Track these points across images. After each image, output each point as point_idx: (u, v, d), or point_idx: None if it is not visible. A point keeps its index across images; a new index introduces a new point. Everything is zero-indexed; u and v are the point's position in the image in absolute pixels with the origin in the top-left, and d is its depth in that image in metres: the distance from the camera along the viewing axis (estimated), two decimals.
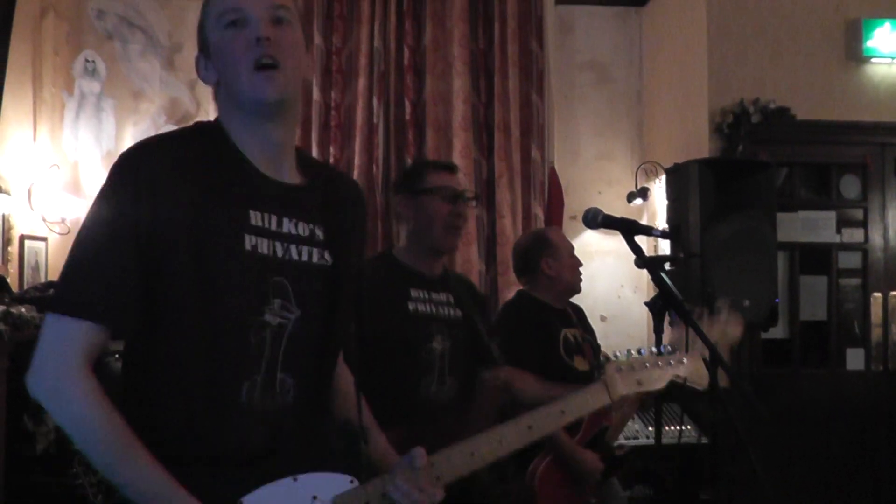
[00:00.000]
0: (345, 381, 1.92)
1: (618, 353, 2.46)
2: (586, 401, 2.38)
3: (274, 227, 1.65)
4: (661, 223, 5.74)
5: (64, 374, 1.51)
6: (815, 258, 5.45)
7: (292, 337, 1.65)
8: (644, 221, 6.27)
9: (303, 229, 1.70)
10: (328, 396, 1.81)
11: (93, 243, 1.57)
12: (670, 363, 2.47)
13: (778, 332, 5.19)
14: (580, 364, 3.70)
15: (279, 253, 1.65)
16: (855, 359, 5.45)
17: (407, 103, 6.37)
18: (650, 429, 5.03)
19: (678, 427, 4.95)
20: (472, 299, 3.12)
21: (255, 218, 1.63)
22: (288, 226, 1.68)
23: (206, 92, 6.37)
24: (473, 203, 3.56)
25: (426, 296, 2.91)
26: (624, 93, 6.80)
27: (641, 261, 2.27)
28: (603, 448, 3.55)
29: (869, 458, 5.28)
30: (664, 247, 5.81)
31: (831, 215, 5.46)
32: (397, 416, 2.71)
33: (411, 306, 2.86)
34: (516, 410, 2.83)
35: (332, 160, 6.31)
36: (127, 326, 1.57)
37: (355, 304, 1.84)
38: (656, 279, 2.24)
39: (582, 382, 3.62)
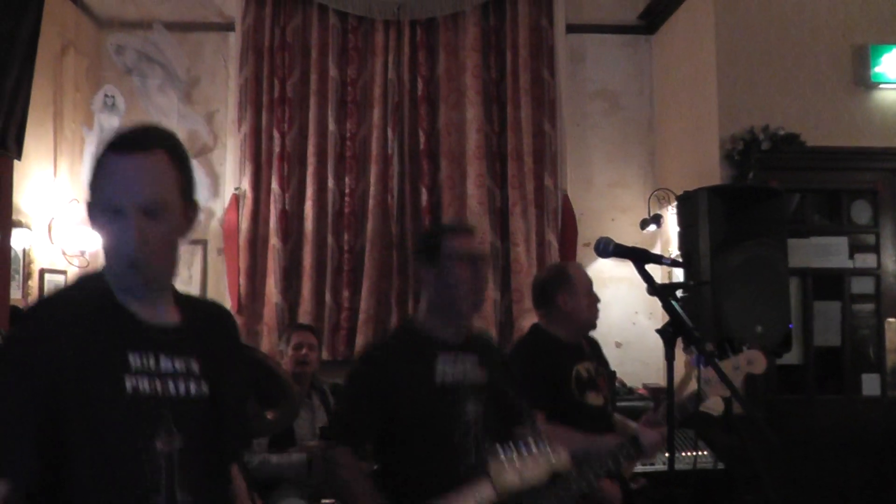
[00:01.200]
0: (241, 493, 2.13)
1: (502, 451, 2.52)
2: (473, 497, 2.46)
3: (152, 365, 1.78)
4: (675, 250, 5.76)
5: None
6: (828, 284, 5.45)
7: (183, 462, 1.78)
8: (657, 248, 6.31)
9: (179, 365, 1.82)
10: None
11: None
12: (547, 458, 2.54)
13: (792, 357, 5.18)
14: (593, 399, 3.70)
15: (159, 389, 1.77)
16: (870, 384, 5.42)
17: (421, 133, 6.45)
18: (664, 454, 5.02)
19: (692, 453, 4.94)
20: (495, 354, 3.15)
21: (135, 360, 1.76)
22: (165, 363, 1.80)
23: (223, 125, 6.48)
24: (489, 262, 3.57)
25: (452, 362, 2.89)
26: (635, 120, 6.84)
27: (653, 289, 2.31)
28: (617, 479, 3.55)
29: (886, 484, 5.25)
30: (677, 273, 5.83)
31: (843, 241, 5.46)
32: (436, 491, 2.73)
33: (438, 378, 2.84)
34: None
35: (347, 190, 6.38)
36: (26, 481, 1.68)
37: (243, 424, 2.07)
38: (667, 307, 2.28)
39: (595, 418, 3.64)
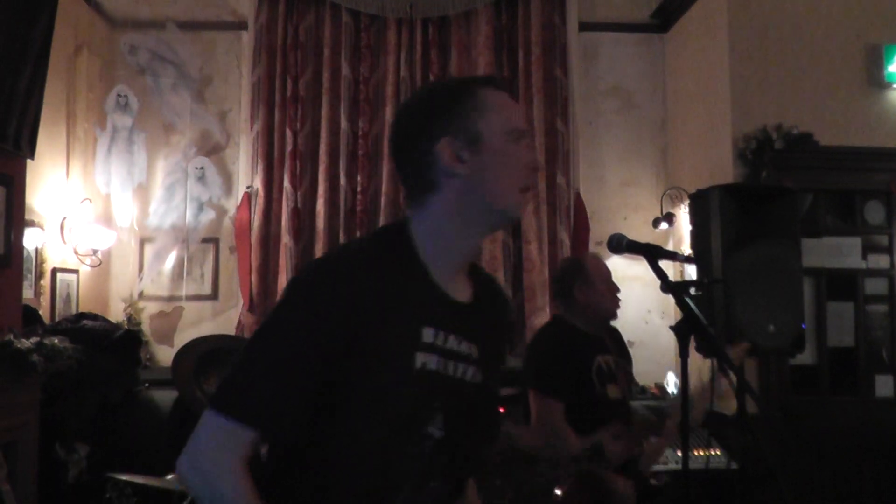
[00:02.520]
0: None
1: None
2: None
3: (443, 343, 1.69)
4: (687, 249, 5.75)
5: (220, 472, 1.57)
6: (842, 284, 5.42)
7: (445, 449, 1.68)
8: (670, 247, 6.29)
9: (465, 347, 1.74)
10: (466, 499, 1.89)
11: (270, 355, 1.62)
12: None
13: (806, 358, 5.16)
14: (613, 392, 3.69)
15: (445, 370, 1.69)
16: (884, 386, 5.40)
17: None
18: (678, 453, 5.01)
19: (706, 452, 4.93)
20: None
21: (428, 335, 1.66)
22: (453, 342, 1.71)
23: (235, 123, 6.49)
24: None
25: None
26: (648, 119, 6.83)
27: (666, 285, 2.29)
28: (635, 477, 3.53)
29: None
30: (690, 272, 5.81)
31: (856, 241, 5.44)
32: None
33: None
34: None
35: (359, 188, 6.37)
36: (286, 437, 1.64)
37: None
38: (681, 304, 2.26)
39: (615, 411, 3.63)
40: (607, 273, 3.80)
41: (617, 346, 3.93)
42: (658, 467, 3.84)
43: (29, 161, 4.74)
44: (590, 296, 3.72)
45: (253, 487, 1.57)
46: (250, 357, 1.62)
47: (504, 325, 1.96)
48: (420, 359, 1.64)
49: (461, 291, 1.78)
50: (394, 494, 1.64)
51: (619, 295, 3.80)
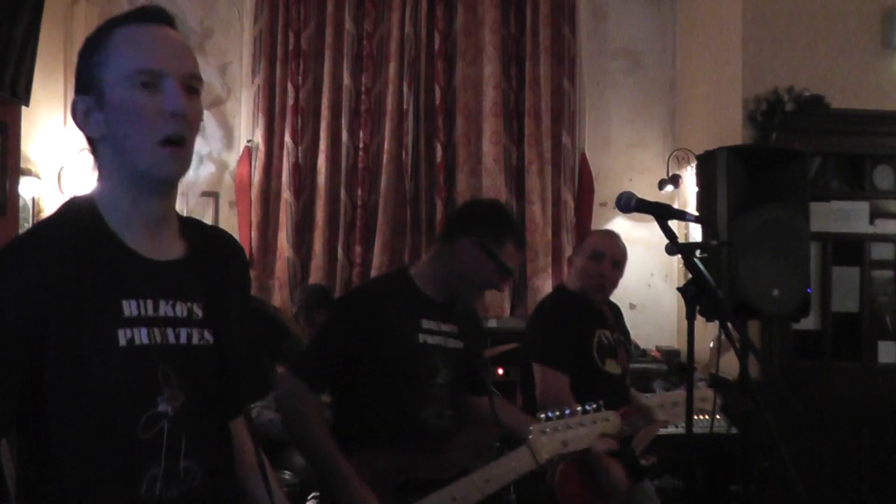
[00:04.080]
0: (248, 454, 1.82)
1: (543, 415, 2.44)
2: (511, 467, 2.38)
3: (150, 312, 1.54)
4: (693, 212, 5.69)
5: None
6: (848, 249, 5.37)
7: (187, 423, 1.57)
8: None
9: (181, 310, 1.60)
10: (233, 473, 1.74)
11: None
12: (595, 422, 2.45)
13: (809, 323, 5.13)
14: (612, 367, 3.66)
15: (158, 339, 1.54)
16: (887, 352, 5.37)
17: (437, 89, 6.36)
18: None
19: (708, 417, 4.90)
20: (475, 326, 3.11)
21: (129, 308, 1.52)
22: (164, 308, 1.57)
23: (236, 77, 6.40)
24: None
25: (436, 327, 2.86)
26: (656, 80, 6.73)
27: (675, 246, 2.24)
28: (628, 457, 3.49)
29: None
30: (695, 235, 5.76)
31: (864, 206, 5.38)
32: (391, 441, 2.69)
33: (421, 338, 2.81)
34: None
35: (361, 145, 6.31)
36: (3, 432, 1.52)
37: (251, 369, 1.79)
38: (689, 265, 2.21)
39: (613, 386, 3.59)
40: (608, 256, 3.71)
41: (617, 322, 3.90)
42: (661, 431, 3.79)
43: (25, 109, 4.68)
44: (574, 267, 3.71)
45: None
46: None
47: (237, 270, 1.80)
48: (124, 335, 1.50)
49: (169, 251, 1.62)
50: (135, 484, 1.51)
51: (606, 284, 3.73)
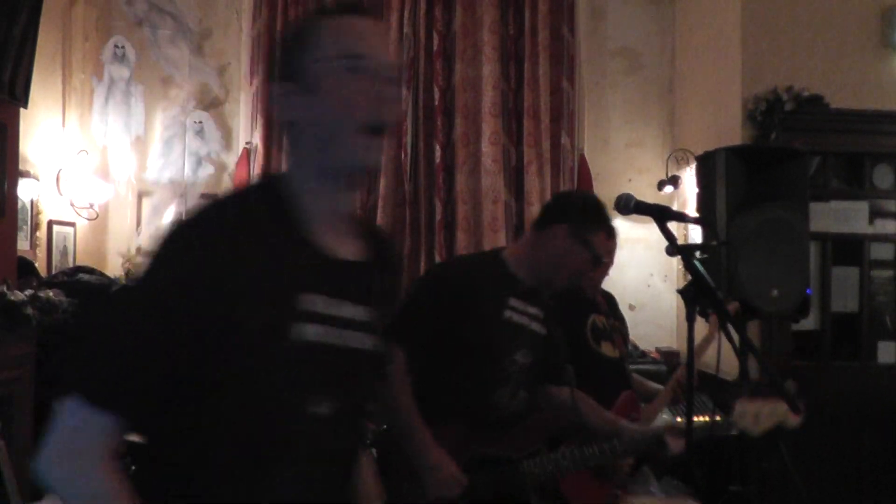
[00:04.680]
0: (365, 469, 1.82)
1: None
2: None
3: (325, 310, 1.50)
4: (692, 212, 5.68)
5: (82, 466, 1.39)
6: (847, 249, 5.36)
7: (335, 427, 1.54)
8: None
9: (352, 312, 1.56)
10: (352, 485, 1.73)
11: (126, 328, 1.42)
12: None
13: (809, 323, 5.12)
14: (608, 350, 3.67)
15: (328, 338, 1.51)
16: (886, 352, 5.36)
17: (436, 89, 6.35)
18: (678, 419, 4.98)
19: (708, 418, 4.90)
20: (556, 318, 3.15)
21: (307, 303, 1.48)
22: (339, 308, 1.53)
23: (235, 78, 6.38)
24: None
25: (523, 307, 2.94)
26: (655, 80, 6.73)
27: (674, 248, 2.23)
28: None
29: None
30: (694, 235, 5.75)
31: (864, 206, 5.37)
32: (462, 415, 2.74)
33: (507, 314, 2.89)
34: (577, 432, 2.84)
35: None
36: (148, 423, 1.46)
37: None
38: (689, 266, 2.20)
39: (611, 369, 3.59)
40: (606, 260, 3.71)
41: (611, 309, 3.90)
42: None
43: (23, 111, 4.67)
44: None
45: (123, 479, 1.39)
46: (100, 337, 1.42)
47: (395, 287, 1.82)
48: (298, 330, 1.46)
49: (349, 250, 1.59)
50: (279, 480, 1.48)
51: (597, 284, 3.74)
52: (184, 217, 1.50)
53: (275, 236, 1.48)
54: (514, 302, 2.91)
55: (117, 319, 1.43)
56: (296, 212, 1.52)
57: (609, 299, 3.94)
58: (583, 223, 2.91)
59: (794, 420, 3.01)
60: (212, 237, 1.43)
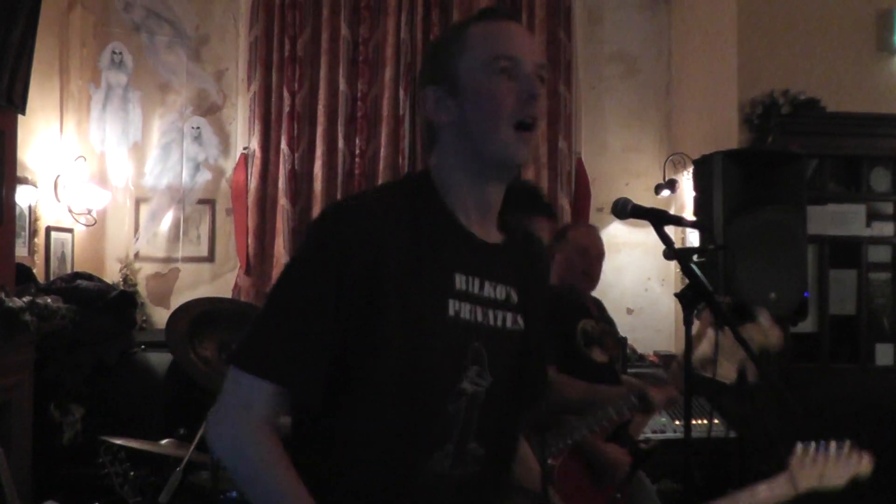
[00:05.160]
0: (524, 448, 1.87)
1: (802, 447, 2.44)
2: (768, 496, 2.37)
3: (476, 290, 1.59)
4: (689, 215, 5.69)
5: (245, 434, 1.48)
6: (845, 252, 5.36)
7: (486, 405, 1.58)
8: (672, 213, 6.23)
9: (500, 292, 1.64)
10: (513, 465, 1.76)
11: (291, 305, 1.51)
12: (854, 460, 2.44)
13: (807, 326, 5.13)
14: (598, 356, 3.66)
15: (479, 318, 1.58)
16: (884, 354, 5.36)
17: None
18: (677, 423, 4.99)
19: (707, 421, 4.90)
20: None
21: (460, 282, 1.56)
22: (488, 289, 1.61)
23: (232, 83, 6.39)
24: None
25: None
26: (652, 84, 6.74)
27: (671, 252, 2.23)
28: (626, 442, 3.50)
29: None
30: (692, 239, 5.76)
31: (861, 208, 5.37)
32: None
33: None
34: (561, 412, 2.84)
35: (358, 151, 6.30)
36: (309, 394, 1.51)
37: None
38: (686, 270, 2.20)
39: (600, 374, 3.58)
40: (592, 250, 3.72)
41: (600, 315, 3.90)
42: (658, 437, 3.80)
43: (21, 117, 4.67)
44: (561, 261, 3.69)
45: (281, 450, 1.47)
46: (267, 307, 1.53)
47: (542, 268, 1.86)
48: (453, 306, 1.54)
49: (490, 235, 1.67)
50: (426, 457, 1.54)
51: (593, 278, 3.75)
52: (342, 201, 1.63)
53: (429, 221, 1.58)
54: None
55: (280, 294, 1.54)
56: (446, 201, 1.62)
57: (598, 304, 3.95)
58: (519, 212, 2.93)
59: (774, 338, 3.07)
60: (370, 219, 1.51)
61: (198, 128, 6.43)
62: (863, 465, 2.47)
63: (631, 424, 3.54)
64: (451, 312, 1.53)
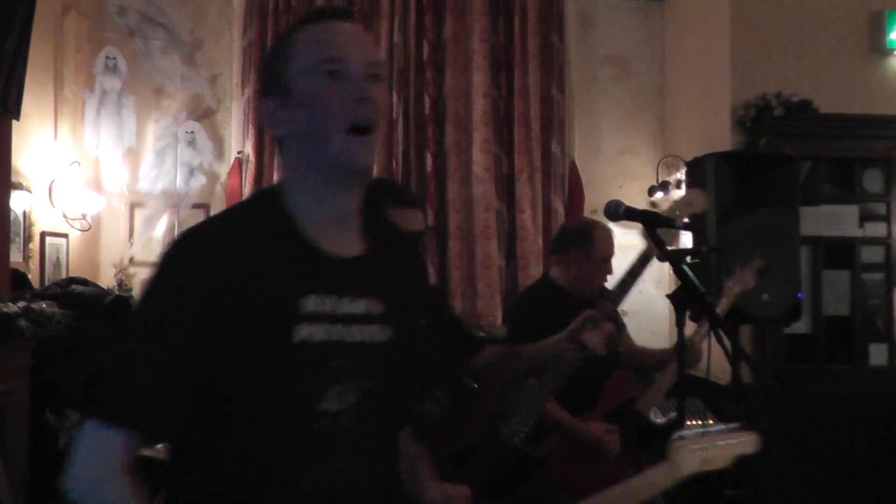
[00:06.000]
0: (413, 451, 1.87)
1: (683, 435, 2.42)
2: (652, 482, 2.36)
3: (330, 309, 1.53)
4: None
5: (100, 481, 1.46)
6: (838, 253, 5.39)
7: (357, 420, 1.56)
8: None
9: (361, 306, 1.58)
10: (396, 473, 1.73)
11: (132, 347, 1.49)
12: (737, 440, 2.43)
13: (801, 327, 5.14)
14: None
15: (335, 337, 1.53)
16: (878, 354, 5.38)
17: (427, 98, 6.37)
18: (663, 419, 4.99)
19: (700, 422, 4.91)
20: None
21: (312, 303, 1.51)
22: (347, 305, 1.56)
23: (227, 88, 6.39)
24: None
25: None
26: (645, 87, 6.75)
27: (664, 254, 2.25)
28: (633, 418, 3.47)
29: (894, 453, 5.22)
30: (685, 240, 5.77)
31: (854, 209, 5.40)
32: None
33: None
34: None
35: None
36: (165, 432, 1.52)
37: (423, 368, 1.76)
38: (678, 272, 2.22)
39: (596, 369, 3.56)
40: (610, 252, 3.72)
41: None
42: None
43: (15, 123, 4.67)
44: (582, 265, 3.66)
45: (139, 491, 1.46)
46: (115, 357, 1.49)
47: (417, 266, 1.81)
48: (301, 332, 1.49)
49: (350, 246, 1.61)
50: (296, 478, 1.51)
51: (608, 276, 3.75)
52: (183, 231, 1.55)
53: (274, 242, 1.53)
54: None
55: (125, 339, 1.50)
56: (295, 218, 1.56)
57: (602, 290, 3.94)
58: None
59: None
60: (210, 248, 1.49)
61: (192, 132, 6.43)
62: (748, 445, 2.45)
63: (637, 401, 3.51)
64: (298, 339, 1.49)
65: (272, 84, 1.59)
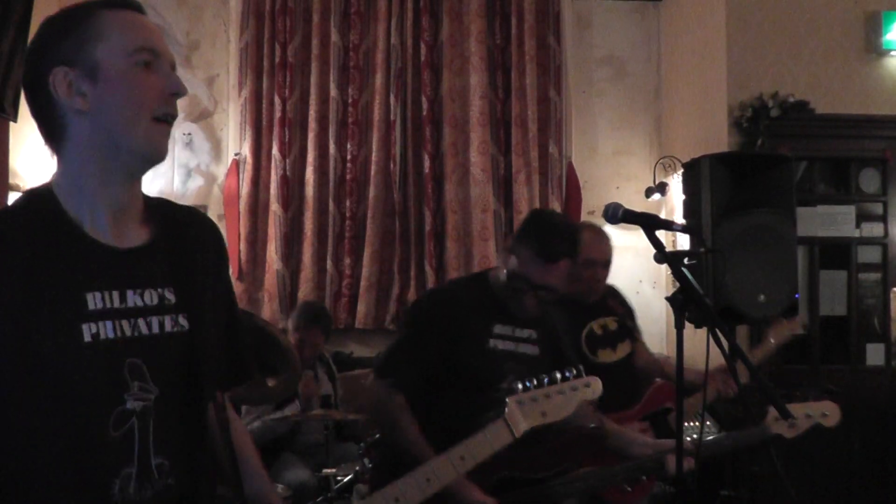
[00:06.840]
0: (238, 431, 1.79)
1: (518, 385, 2.39)
2: (487, 442, 2.33)
3: (117, 303, 1.49)
4: (680, 219, 5.71)
5: None
6: (835, 253, 5.41)
7: (159, 416, 1.51)
8: (662, 217, 6.25)
9: (150, 297, 1.54)
10: (208, 467, 1.67)
11: None
12: (574, 388, 2.41)
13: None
14: (606, 356, 3.65)
15: (127, 332, 1.49)
16: (875, 354, 5.40)
17: (424, 100, 6.37)
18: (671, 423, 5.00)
19: (698, 423, 4.91)
20: (555, 331, 3.13)
21: (94, 300, 1.46)
22: (133, 298, 1.51)
23: (223, 89, 6.39)
24: None
25: (509, 332, 2.93)
26: (642, 88, 6.76)
27: (662, 255, 2.25)
28: (665, 430, 3.47)
29: (890, 453, 5.24)
30: (682, 242, 5.78)
31: (850, 210, 5.42)
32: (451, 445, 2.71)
33: (491, 343, 2.89)
34: None
35: (349, 156, 6.31)
36: None
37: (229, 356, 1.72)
38: (677, 274, 2.22)
39: (607, 376, 3.57)
40: (595, 254, 3.69)
41: (620, 303, 3.89)
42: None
43: (12, 124, 4.67)
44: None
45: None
46: None
47: (213, 249, 1.74)
48: (89, 330, 1.44)
49: (134, 237, 1.57)
50: (108, 486, 1.46)
51: (594, 281, 3.72)
52: None
53: (49, 241, 1.48)
54: (498, 329, 2.90)
55: None
56: (69, 212, 1.52)
57: (613, 295, 3.93)
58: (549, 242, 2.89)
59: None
60: None
61: (189, 134, 6.43)
62: (590, 391, 2.43)
63: (670, 413, 3.51)
64: (88, 337, 1.44)
65: (72, 55, 1.52)
